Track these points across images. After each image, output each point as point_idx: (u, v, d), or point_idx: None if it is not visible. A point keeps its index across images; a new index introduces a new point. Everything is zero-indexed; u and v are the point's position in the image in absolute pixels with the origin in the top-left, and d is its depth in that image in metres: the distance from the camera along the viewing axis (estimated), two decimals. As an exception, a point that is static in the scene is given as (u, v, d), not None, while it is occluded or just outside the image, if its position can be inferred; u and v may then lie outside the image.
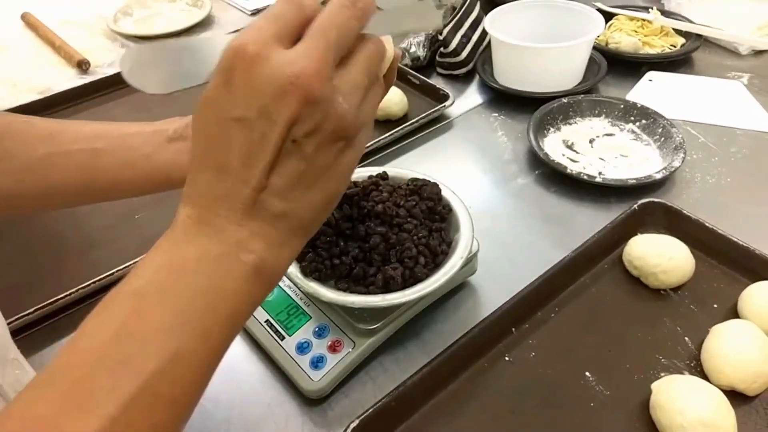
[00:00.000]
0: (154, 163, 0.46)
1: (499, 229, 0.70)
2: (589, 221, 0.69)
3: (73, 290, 0.61)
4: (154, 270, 0.29)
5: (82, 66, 1.01)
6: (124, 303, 0.28)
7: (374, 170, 0.62)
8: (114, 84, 0.96)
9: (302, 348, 0.53)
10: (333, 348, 0.53)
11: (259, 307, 0.56)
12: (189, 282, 0.29)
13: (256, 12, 1.19)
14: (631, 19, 0.98)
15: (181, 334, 0.27)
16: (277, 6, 0.30)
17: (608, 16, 1.00)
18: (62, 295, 0.61)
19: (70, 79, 1.00)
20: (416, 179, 0.60)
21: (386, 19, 0.37)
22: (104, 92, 0.96)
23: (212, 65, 0.30)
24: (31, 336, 0.60)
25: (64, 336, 0.60)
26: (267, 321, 0.55)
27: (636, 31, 0.97)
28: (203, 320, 0.28)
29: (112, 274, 0.63)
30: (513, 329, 0.57)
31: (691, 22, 0.98)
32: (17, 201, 0.47)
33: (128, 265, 0.63)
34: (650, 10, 1.00)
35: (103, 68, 1.02)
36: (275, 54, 0.28)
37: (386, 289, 0.51)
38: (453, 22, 0.94)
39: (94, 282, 0.62)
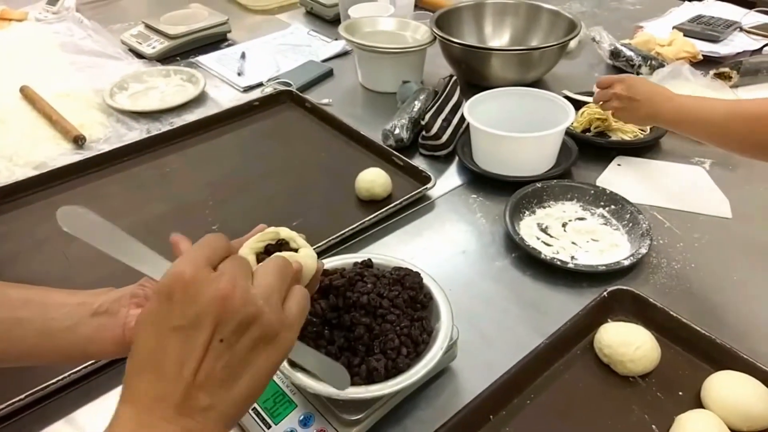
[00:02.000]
0: (73, 337, 0.46)
1: (477, 312, 0.73)
2: (563, 305, 0.73)
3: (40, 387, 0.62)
4: None
5: (78, 141, 1.04)
6: None
7: (359, 257, 0.65)
8: (108, 160, 1.00)
9: (288, 438, 0.55)
10: (318, 438, 0.55)
11: (247, 396, 0.58)
12: None
13: (248, 89, 1.25)
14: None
15: None
16: (208, 237, 0.40)
17: (576, 103, 1.07)
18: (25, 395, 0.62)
19: (65, 155, 1.03)
20: (399, 268, 0.64)
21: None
22: (99, 168, 0.99)
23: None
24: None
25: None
26: (254, 409, 0.57)
27: (603, 116, 1.03)
28: None
29: (78, 371, 0.64)
30: (491, 417, 0.59)
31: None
32: None
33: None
34: None
35: (98, 144, 1.06)
36: (205, 275, 0.36)
37: (370, 380, 0.54)
38: (435, 107, 1.00)
39: (56, 381, 0.63)
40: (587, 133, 1.02)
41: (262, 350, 0.37)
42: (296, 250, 0.49)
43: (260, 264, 0.41)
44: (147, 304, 0.37)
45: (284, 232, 0.50)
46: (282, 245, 0.49)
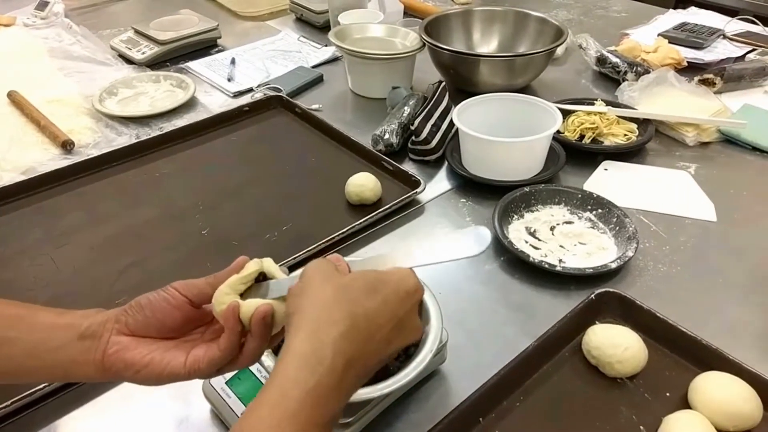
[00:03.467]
0: (57, 358, 0.45)
1: (466, 315, 0.73)
2: (551, 308, 0.73)
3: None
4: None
5: (67, 146, 1.04)
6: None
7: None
8: (97, 165, 1.00)
9: (278, 441, 0.55)
10: (308, 441, 0.55)
11: (236, 400, 0.58)
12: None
13: (238, 94, 1.25)
14: (588, 113, 1.06)
15: None
16: None
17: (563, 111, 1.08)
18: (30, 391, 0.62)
19: (53, 160, 1.02)
20: (389, 271, 0.64)
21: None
22: (88, 173, 0.99)
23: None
24: None
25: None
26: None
27: (594, 125, 1.04)
28: None
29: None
30: (480, 419, 0.59)
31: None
32: None
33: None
34: (595, 102, 1.08)
35: (87, 149, 1.05)
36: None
37: (360, 382, 0.54)
38: (424, 112, 1.00)
39: (42, 388, 0.63)
40: (581, 141, 1.03)
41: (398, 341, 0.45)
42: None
43: None
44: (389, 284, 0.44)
45: (266, 265, 0.49)
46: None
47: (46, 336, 0.45)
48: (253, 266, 0.48)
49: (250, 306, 0.45)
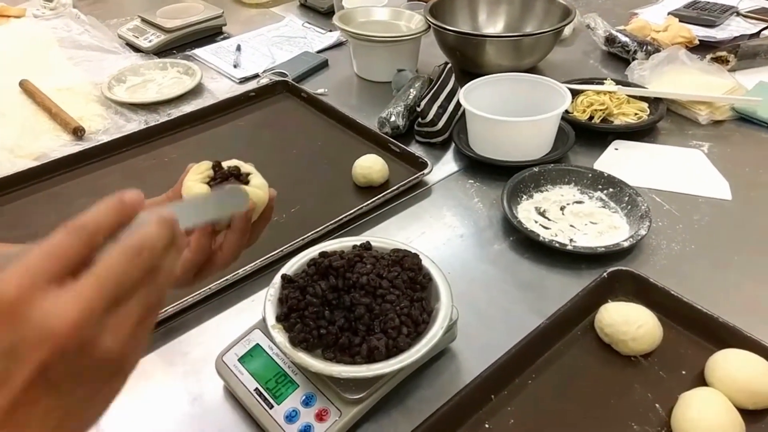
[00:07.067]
0: None
1: (476, 295, 0.73)
2: (561, 287, 0.73)
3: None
4: None
5: (77, 133, 1.05)
6: None
7: (358, 240, 0.65)
8: (107, 151, 1.00)
9: (290, 417, 0.55)
10: (320, 417, 0.55)
11: (249, 376, 0.58)
12: None
13: (244, 80, 1.24)
14: (598, 93, 1.04)
15: None
16: (56, 237, 0.29)
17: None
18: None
19: (65, 146, 1.03)
20: (398, 250, 0.64)
21: (188, 210, 0.38)
22: (98, 159, 0.99)
23: None
24: None
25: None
26: (256, 389, 0.57)
27: (604, 106, 1.02)
28: None
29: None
30: (492, 396, 0.59)
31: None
32: None
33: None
34: (604, 82, 1.07)
35: (97, 135, 1.06)
36: (38, 300, 0.27)
37: (371, 359, 0.54)
38: (430, 94, 1.00)
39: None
40: (591, 122, 1.02)
41: (102, 383, 0.30)
42: (246, 178, 0.50)
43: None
44: None
45: (229, 163, 0.50)
46: (232, 175, 0.49)
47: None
48: (204, 164, 0.49)
49: None
